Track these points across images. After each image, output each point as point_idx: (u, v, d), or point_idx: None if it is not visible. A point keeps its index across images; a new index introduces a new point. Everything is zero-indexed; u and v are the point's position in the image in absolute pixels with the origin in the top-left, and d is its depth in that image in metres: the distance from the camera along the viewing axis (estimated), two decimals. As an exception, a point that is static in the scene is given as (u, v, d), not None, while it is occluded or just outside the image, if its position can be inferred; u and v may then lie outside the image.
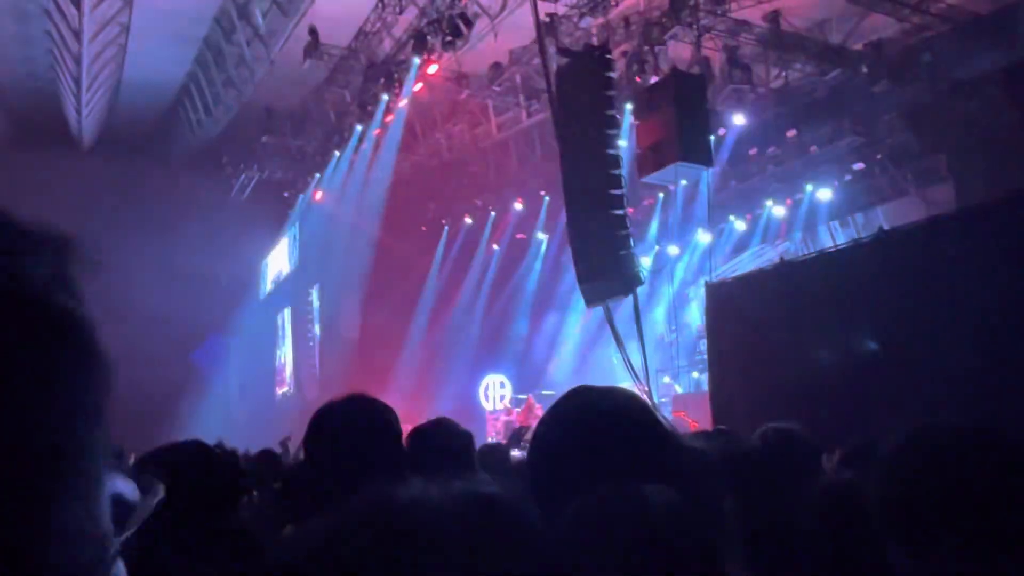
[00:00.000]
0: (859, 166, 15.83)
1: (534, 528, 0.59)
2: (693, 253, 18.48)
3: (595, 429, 1.19)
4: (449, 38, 12.78)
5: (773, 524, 1.67)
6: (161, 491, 0.72)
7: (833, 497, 1.76)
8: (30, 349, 0.50)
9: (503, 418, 16.60)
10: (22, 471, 0.47)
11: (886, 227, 9.70)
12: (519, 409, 16.23)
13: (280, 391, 23.05)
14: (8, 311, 0.50)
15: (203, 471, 1.83)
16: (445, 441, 2.55)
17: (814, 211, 17.22)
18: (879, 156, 15.77)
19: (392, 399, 2.15)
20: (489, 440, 15.15)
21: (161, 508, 0.69)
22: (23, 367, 0.49)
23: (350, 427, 1.98)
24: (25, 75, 16.92)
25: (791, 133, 15.96)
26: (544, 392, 16.81)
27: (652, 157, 11.54)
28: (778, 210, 17.69)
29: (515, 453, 4.81)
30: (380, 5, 14.10)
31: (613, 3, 12.83)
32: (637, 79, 13.27)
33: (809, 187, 16.77)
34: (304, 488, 2.01)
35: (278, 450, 5.59)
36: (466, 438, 2.69)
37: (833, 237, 16.53)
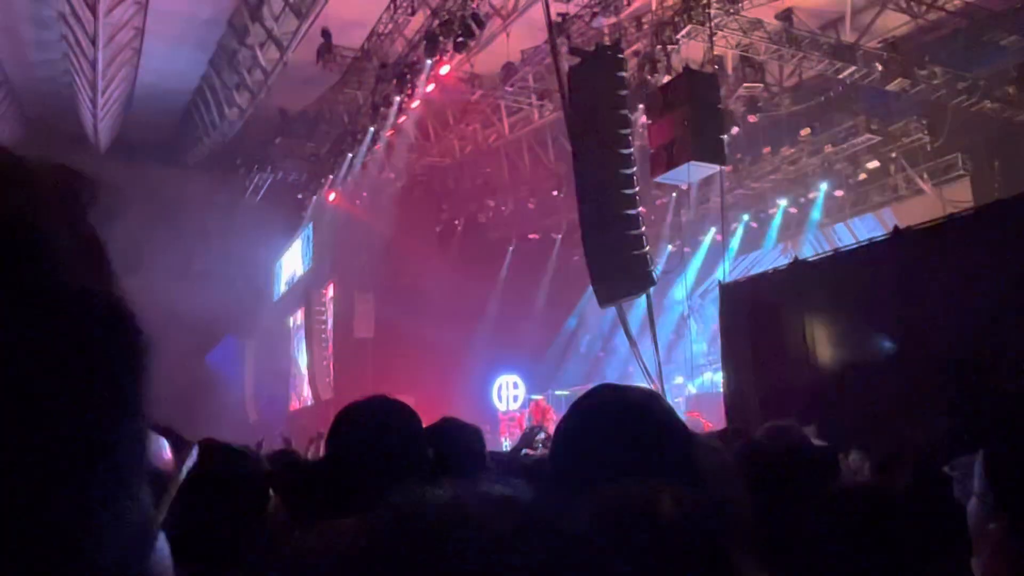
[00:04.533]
0: (874, 164, 15.75)
1: (566, 532, 0.59)
2: (706, 253, 18.44)
3: (616, 426, 1.20)
4: (461, 39, 12.79)
5: (787, 526, 1.66)
6: (195, 453, 0.72)
7: (857, 501, 1.75)
8: (69, 337, 0.46)
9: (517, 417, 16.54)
10: (67, 465, 0.45)
11: (901, 226, 9.62)
12: (527, 409, 16.16)
13: (294, 391, 23.15)
14: (43, 302, 0.46)
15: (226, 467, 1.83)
16: (451, 440, 2.54)
17: (828, 210, 17.14)
18: (894, 154, 15.69)
19: (405, 399, 2.15)
20: (502, 440, 15.14)
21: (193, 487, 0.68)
22: (62, 357, 0.45)
23: (375, 428, 1.99)
24: (42, 79, 17.08)
25: (805, 132, 15.89)
26: (557, 392, 16.79)
27: (665, 156, 11.51)
28: (792, 209, 17.63)
29: (528, 452, 4.80)
30: (392, 7, 14.14)
31: (625, 2, 12.81)
32: (649, 78, 13.25)
33: (824, 186, 16.70)
34: (325, 488, 2.02)
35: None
36: (472, 436, 2.66)
37: (854, 234, 16.44)
